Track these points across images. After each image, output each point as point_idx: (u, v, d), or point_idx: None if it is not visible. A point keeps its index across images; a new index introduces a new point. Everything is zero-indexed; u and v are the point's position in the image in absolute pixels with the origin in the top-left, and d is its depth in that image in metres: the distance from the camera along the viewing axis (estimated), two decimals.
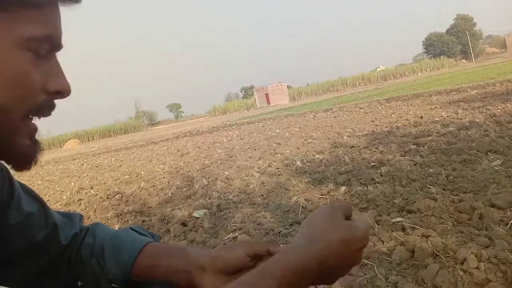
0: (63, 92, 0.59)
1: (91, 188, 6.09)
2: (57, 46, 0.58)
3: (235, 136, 10.88)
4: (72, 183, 7.07)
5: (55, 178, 8.82)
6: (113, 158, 11.15)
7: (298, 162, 4.56)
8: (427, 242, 1.90)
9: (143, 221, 3.55)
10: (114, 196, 4.84)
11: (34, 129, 0.59)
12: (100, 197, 4.98)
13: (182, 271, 0.74)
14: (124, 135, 50.28)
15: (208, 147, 8.95)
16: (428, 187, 2.76)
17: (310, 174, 3.96)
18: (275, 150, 6.14)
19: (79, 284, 0.81)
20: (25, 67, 0.53)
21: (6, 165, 0.60)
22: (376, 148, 4.57)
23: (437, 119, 6.12)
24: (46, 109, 0.59)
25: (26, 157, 0.58)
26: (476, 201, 2.31)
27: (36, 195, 0.78)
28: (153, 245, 0.80)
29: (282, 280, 0.50)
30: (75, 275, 0.80)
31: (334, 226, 0.58)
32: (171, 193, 4.50)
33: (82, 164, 11.40)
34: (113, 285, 0.76)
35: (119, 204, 4.51)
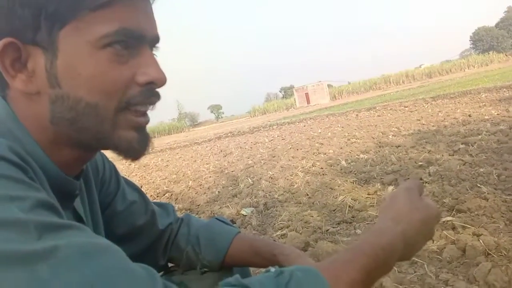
0: (155, 81, 0.60)
1: (141, 187, 6.34)
2: (142, 38, 0.59)
3: (276, 136, 10.95)
4: None
5: None
6: (160, 158, 11.51)
7: (343, 162, 4.58)
8: (479, 240, 1.90)
9: None
10: (164, 195, 5.06)
11: (138, 121, 0.62)
12: (151, 195, 5.22)
13: (280, 255, 0.87)
14: (167, 136, 51.65)
15: (251, 147, 9.08)
16: (479, 187, 2.72)
17: (355, 174, 3.97)
18: (318, 150, 6.16)
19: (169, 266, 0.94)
20: (103, 65, 0.56)
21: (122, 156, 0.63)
22: (423, 148, 4.50)
23: (486, 117, 5.92)
24: (145, 100, 0.61)
25: (133, 148, 0.62)
26: None
27: (137, 187, 0.91)
28: (242, 236, 0.94)
29: (375, 258, 0.55)
30: (169, 259, 0.93)
31: (415, 207, 0.64)
32: (218, 191, 4.65)
33: (130, 164, 11.83)
34: (204, 269, 0.89)
35: (169, 202, 4.70)
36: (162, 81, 0.61)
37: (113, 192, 0.85)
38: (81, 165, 0.68)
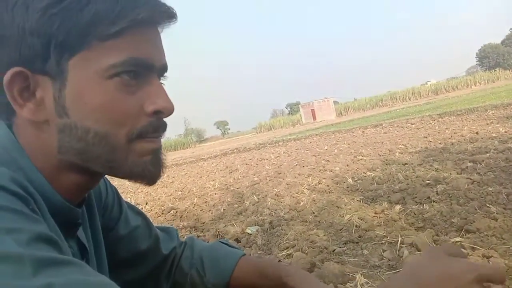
0: (163, 110, 0.60)
1: (146, 203, 6.35)
2: (151, 67, 0.59)
3: (282, 152, 10.93)
4: (128, 199, 7.39)
5: None
6: (165, 175, 11.47)
7: (349, 180, 4.54)
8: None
9: (198, 236, 3.66)
10: (169, 212, 5.03)
11: (152, 148, 0.62)
12: (156, 213, 5.20)
13: (287, 276, 0.83)
14: (174, 151, 51.75)
15: (256, 164, 9.05)
16: (488, 206, 2.67)
17: (362, 192, 3.93)
18: (324, 167, 6.13)
19: None
20: (111, 94, 0.56)
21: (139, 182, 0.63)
22: (430, 166, 4.46)
23: (494, 135, 5.87)
24: (154, 130, 0.61)
25: (149, 171, 0.62)
26: None
27: (140, 211, 0.90)
28: (247, 258, 0.90)
29: None
30: (173, 284, 0.91)
31: (432, 261, 0.54)
32: (223, 209, 4.62)
33: None
34: None
35: (174, 220, 4.69)
36: (169, 111, 0.61)
37: (116, 217, 0.84)
38: (84, 192, 0.67)
